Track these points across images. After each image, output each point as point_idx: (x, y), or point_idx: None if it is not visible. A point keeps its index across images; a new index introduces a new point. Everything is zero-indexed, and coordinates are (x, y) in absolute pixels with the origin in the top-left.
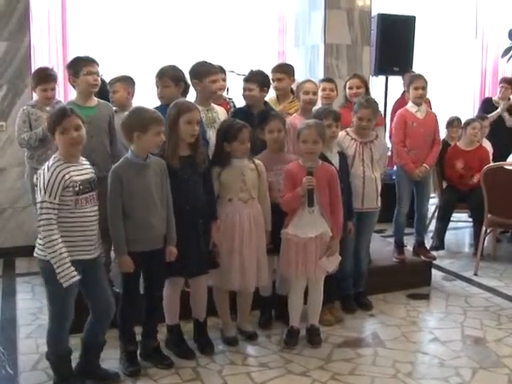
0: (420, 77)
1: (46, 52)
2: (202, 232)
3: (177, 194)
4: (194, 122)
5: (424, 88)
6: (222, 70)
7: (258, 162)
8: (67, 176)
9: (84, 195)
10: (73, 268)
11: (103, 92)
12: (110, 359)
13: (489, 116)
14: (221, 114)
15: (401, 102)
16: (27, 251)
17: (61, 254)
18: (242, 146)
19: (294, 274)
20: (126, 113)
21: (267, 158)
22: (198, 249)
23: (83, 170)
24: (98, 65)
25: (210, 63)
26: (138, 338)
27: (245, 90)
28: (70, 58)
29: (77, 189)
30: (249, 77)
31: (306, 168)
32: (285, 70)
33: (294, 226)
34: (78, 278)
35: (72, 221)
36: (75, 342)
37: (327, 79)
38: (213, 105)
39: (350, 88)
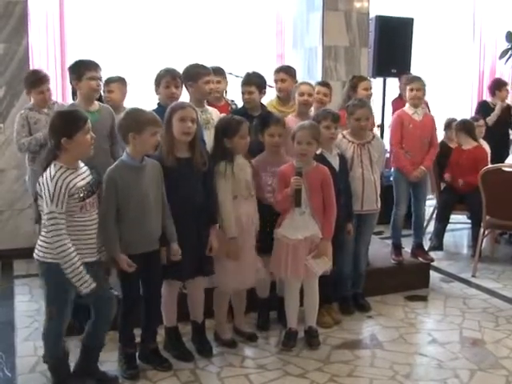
0: (416, 79)
1: (43, 54)
2: (201, 236)
3: (173, 195)
4: (187, 120)
5: (419, 90)
6: (222, 72)
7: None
8: (71, 184)
9: (88, 199)
10: (89, 275)
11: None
12: (109, 361)
13: (487, 119)
14: (214, 114)
15: (398, 102)
16: (25, 253)
17: (77, 262)
18: (243, 140)
19: (284, 274)
20: (122, 114)
21: (264, 160)
22: (193, 251)
23: (83, 173)
24: (100, 69)
25: (202, 65)
26: (137, 340)
27: (244, 93)
28: (67, 60)
29: (82, 194)
30: (248, 80)
31: (296, 168)
32: (288, 71)
33: (285, 227)
34: (94, 284)
35: (76, 225)
36: (75, 343)
37: (323, 83)
38: (206, 106)
39: (365, 89)
